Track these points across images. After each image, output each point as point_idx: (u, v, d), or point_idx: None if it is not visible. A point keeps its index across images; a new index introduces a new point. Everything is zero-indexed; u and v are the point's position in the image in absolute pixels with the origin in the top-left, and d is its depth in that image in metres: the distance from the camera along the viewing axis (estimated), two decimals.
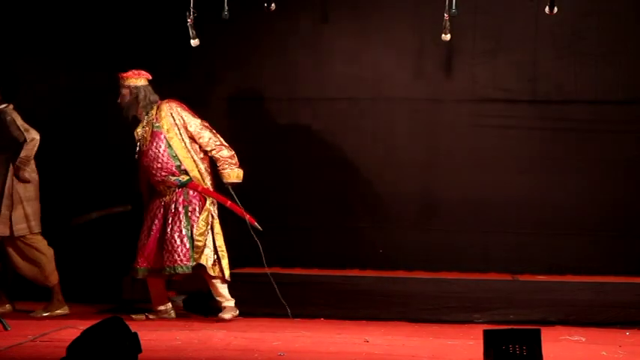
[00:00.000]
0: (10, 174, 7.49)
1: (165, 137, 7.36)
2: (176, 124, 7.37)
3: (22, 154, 7.43)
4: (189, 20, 7.31)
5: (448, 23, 7.22)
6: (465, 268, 8.03)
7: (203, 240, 7.30)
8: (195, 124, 7.41)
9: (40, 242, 7.59)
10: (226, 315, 7.31)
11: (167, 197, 7.38)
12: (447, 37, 7.33)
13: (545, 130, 8.05)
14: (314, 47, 8.36)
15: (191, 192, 7.37)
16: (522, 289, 7.40)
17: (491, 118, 8.07)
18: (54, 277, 7.59)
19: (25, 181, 7.48)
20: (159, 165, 7.34)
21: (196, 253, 7.27)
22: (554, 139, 8.02)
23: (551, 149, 8.06)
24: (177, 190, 7.36)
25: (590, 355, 6.09)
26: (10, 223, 7.47)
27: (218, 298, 7.39)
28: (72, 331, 5.98)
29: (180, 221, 7.31)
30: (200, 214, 7.35)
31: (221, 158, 7.43)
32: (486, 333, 4.81)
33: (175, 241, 7.26)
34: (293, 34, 8.36)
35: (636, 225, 7.90)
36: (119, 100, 7.45)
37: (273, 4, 7.46)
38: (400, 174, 8.28)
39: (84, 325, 5.02)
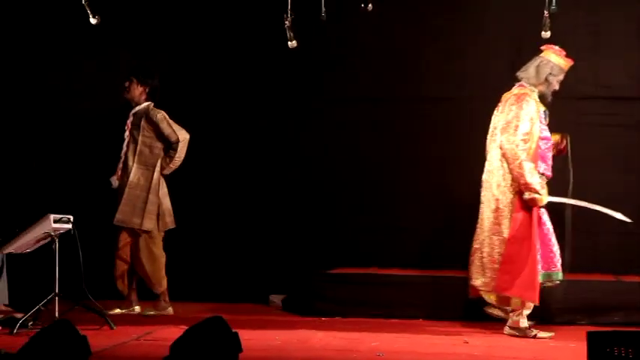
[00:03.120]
0: (157, 169, 7.65)
1: None
2: None
3: (177, 155, 7.61)
4: (286, 22, 7.36)
5: (548, 20, 7.12)
6: (570, 269, 7.89)
7: None
8: None
9: (161, 243, 7.73)
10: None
11: None
12: (546, 34, 7.23)
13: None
14: (407, 47, 8.34)
15: None
16: (626, 290, 7.24)
17: (592, 115, 7.93)
18: (163, 284, 7.70)
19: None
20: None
21: None
22: None
23: None
24: None
25: None
26: (157, 218, 7.64)
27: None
28: (175, 330, 6.08)
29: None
30: None
31: None
32: (590, 335, 4.72)
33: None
34: (386, 34, 8.36)
35: None
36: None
37: (370, 5, 7.46)
38: None
39: (187, 324, 5.11)
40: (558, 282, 6.77)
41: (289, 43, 7.46)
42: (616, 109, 7.74)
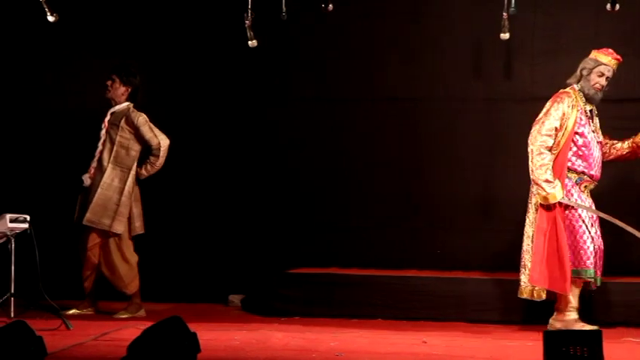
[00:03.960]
0: (132, 173, 7.59)
1: None
2: None
3: (157, 161, 7.57)
4: (247, 22, 7.34)
5: (507, 22, 7.18)
6: None
7: None
8: None
9: (131, 245, 7.66)
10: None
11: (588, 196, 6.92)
12: (505, 35, 7.29)
13: (606, 128, 7.95)
14: (369, 47, 8.37)
15: None
16: (582, 290, 7.30)
17: None
18: (134, 285, 7.64)
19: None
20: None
21: None
22: (613, 138, 7.92)
23: None
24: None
25: None
26: (131, 221, 7.58)
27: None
28: (133, 330, 6.05)
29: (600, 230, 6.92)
30: None
31: None
32: (546, 334, 4.76)
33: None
34: (347, 35, 8.38)
35: None
36: (602, 85, 6.90)
37: (330, 5, 7.47)
38: (457, 174, 8.27)
39: (145, 324, 5.08)
40: (591, 279, 6.80)
41: (249, 42, 7.46)
42: None
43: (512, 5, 7.02)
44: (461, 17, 8.25)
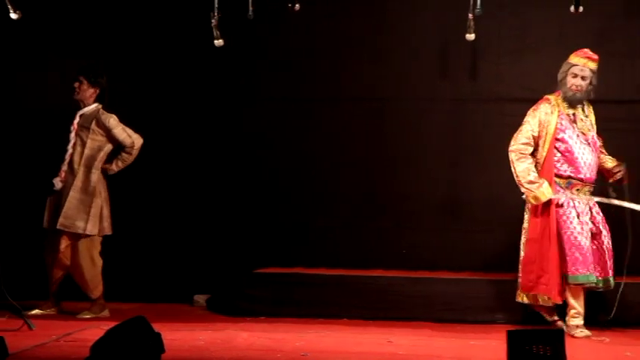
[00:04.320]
0: (100, 172, 7.54)
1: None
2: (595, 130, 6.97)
3: (129, 158, 7.53)
4: (213, 21, 7.32)
5: (473, 22, 7.20)
6: (489, 269, 8.00)
7: None
8: None
9: (99, 248, 7.60)
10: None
11: (585, 199, 6.90)
12: (471, 36, 7.31)
13: None
14: (336, 47, 8.38)
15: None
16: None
17: (515, 117, 8.03)
18: (99, 290, 7.58)
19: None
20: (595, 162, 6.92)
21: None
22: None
23: None
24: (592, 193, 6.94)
25: (614, 356, 6.07)
26: (100, 221, 7.51)
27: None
28: (96, 330, 6.00)
29: (607, 230, 6.92)
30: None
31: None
32: (510, 333, 4.79)
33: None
34: (314, 35, 8.38)
35: None
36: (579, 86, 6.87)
37: (297, 5, 7.46)
38: (424, 174, 8.29)
39: (108, 324, 5.05)
40: (592, 284, 6.78)
41: (215, 41, 7.43)
42: None
43: (478, 6, 7.04)
44: (427, 18, 8.27)
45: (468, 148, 8.26)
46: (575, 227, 6.78)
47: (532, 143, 6.87)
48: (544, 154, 6.85)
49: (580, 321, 6.81)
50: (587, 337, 6.67)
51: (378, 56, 8.38)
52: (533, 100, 7.91)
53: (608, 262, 6.85)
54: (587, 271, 6.74)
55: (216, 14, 7.29)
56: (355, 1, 8.44)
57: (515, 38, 8.21)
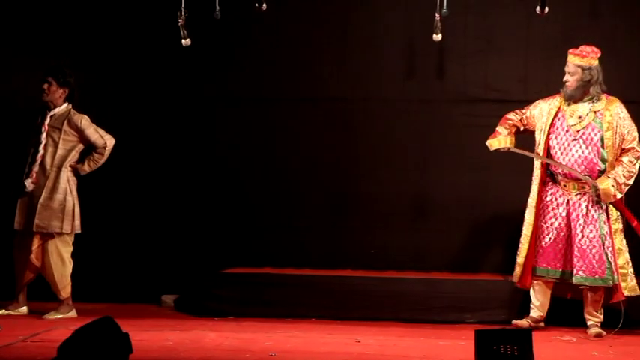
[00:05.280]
0: (70, 172, 7.48)
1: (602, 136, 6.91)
2: (615, 127, 6.90)
3: (102, 159, 7.49)
4: (180, 20, 7.30)
5: (439, 23, 7.23)
6: (457, 269, 8.04)
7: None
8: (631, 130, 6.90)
9: (71, 247, 7.55)
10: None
11: (572, 196, 6.94)
12: (438, 37, 7.34)
13: None
14: (303, 47, 8.39)
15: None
16: (514, 289, 7.39)
17: (482, 118, 8.09)
18: (68, 290, 7.52)
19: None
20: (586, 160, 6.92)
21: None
22: None
23: None
24: (585, 192, 6.91)
25: (580, 355, 6.12)
26: (73, 219, 7.45)
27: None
28: (63, 331, 5.97)
29: (595, 227, 6.86)
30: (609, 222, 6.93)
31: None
32: (477, 333, 4.82)
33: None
34: (281, 35, 8.38)
35: None
36: (566, 81, 6.96)
37: (264, 4, 7.45)
38: (392, 174, 8.31)
39: (76, 324, 5.02)
40: (552, 279, 6.97)
41: (183, 41, 7.41)
42: (505, 111, 7.88)
43: (445, 7, 7.07)
44: (394, 18, 8.30)
45: (436, 148, 8.29)
46: (544, 217, 6.97)
47: (522, 120, 7.18)
48: (541, 146, 7.03)
49: (537, 313, 7.02)
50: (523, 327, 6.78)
51: (346, 57, 8.39)
52: (499, 101, 8.01)
53: (583, 263, 6.84)
54: (549, 265, 6.92)
55: (183, 14, 7.28)
56: (322, 1, 8.45)
57: (481, 39, 8.25)
